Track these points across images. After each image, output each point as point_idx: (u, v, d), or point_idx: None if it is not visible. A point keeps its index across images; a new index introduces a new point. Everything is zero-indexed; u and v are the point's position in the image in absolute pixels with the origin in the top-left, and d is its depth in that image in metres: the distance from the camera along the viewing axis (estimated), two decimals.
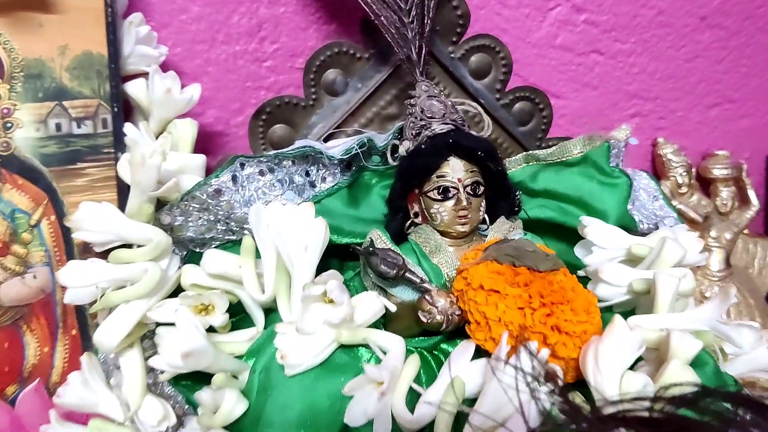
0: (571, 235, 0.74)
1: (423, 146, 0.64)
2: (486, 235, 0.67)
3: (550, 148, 0.77)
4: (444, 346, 0.62)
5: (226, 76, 0.81)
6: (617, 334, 0.51)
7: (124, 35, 0.69)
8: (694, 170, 1.01)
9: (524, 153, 0.76)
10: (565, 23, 0.91)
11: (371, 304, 0.57)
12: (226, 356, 0.61)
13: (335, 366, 0.57)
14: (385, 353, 0.56)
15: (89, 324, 0.69)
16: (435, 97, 0.67)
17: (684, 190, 0.99)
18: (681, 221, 0.80)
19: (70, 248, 0.67)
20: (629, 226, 0.75)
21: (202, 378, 0.64)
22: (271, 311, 0.67)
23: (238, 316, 0.67)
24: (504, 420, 0.49)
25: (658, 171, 1.00)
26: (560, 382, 0.51)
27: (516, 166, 0.76)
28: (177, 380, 0.64)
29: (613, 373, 0.50)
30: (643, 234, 0.78)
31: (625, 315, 0.61)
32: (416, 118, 0.66)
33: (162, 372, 0.61)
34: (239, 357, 0.63)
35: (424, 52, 0.68)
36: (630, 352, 0.51)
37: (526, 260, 0.57)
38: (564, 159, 0.76)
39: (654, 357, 0.56)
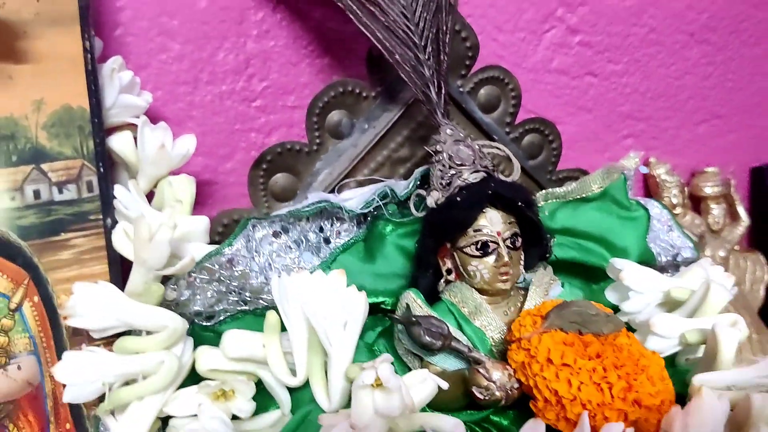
0: (589, 272, 0.71)
1: (458, 198, 0.58)
2: (523, 288, 0.62)
3: (565, 184, 0.73)
4: (495, 418, 0.57)
5: (213, 119, 0.73)
6: (707, 407, 0.47)
7: (106, 84, 0.60)
8: (686, 189, 0.99)
9: (543, 191, 0.72)
10: (560, 46, 0.88)
11: (424, 385, 0.51)
12: None
13: None
14: None
15: (84, 415, 0.60)
16: (462, 141, 0.61)
17: (678, 210, 0.97)
18: (698, 252, 0.78)
19: (59, 333, 0.58)
20: (649, 261, 0.73)
21: None
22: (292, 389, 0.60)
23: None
24: None
25: (651, 192, 0.98)
26: None
27: None
28: None
29: None
30: (662, 268, 0.76)
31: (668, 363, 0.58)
32: (444, 165, 0.60)
33: None
34: None
35: (444, 91, 0.63)
36: (720, 425, 0.47)
37: (591, 326, 0.52)
38: (584, 195, 0.72)
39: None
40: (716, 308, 0.61)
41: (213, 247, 0.59)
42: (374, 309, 0.62)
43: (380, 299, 0.64)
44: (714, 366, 0.55)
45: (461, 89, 0.72)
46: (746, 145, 1.05)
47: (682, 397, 0.52)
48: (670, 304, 0.65)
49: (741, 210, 1.01)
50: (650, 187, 0.98)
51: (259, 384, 0.58)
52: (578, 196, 0.72)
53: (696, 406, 0.48)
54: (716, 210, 1.00)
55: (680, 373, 0.58)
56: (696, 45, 0.96)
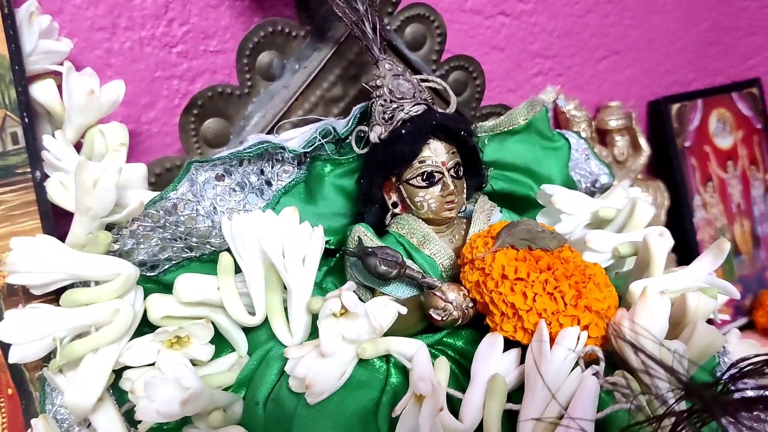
0: (516, 203, 0.74)
1: (402, 131, 0.59)
2: (465, 218, 0.64)
3: (491, 118, 0.75)
4: (448, 340, 0.59)
5: (133, 66, 0.70)
6: (652, 305, 0.51)
7: (24, 29, 0.56)
8: (594, 123, 1.05)
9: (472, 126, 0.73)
10: None
11: (386, 311, 0.53)
12: (218, 392, 0.53)
13: (356, 383, 0.52)
14: (409, 361, 0.51)
15: (27, 379, 0.57)
16: (401, 75, 0.62)
17: (590, 144, 1.02)
18: (614, 177, 0.83)
19: None
20: (572, 188, 0.76)
21: None
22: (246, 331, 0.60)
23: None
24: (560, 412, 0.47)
25: (561, 127, 1.02)
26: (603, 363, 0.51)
27: None
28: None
29: (654, 345, 0.50)
30: (590, 193, 0.80)
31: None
32: (385, 100, 0.61)
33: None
34: (226, 388, 0.56)
35: (379, 26, 0.63)
36: (664, 320, 0.51)
37: (540, 242, 0.55)
38: (510, 128, 0.74)
39: None
40: (642, 223, 0.65)
41: (156, 194, 0.57)
42: None
43: (324, 238, 0.64)
44: (647, 274, 0.60)
45: (388, 27, 0.72)
46: (643, 79, 1.11)
47: None
48: (599, 223, 0.69)
49: (643, 141, 1.08)
50: (561, 123, 1.03)
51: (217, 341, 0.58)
52: (506, 129, 0.74)
53: (642, 305, 0.51)
54: (621, 142, 1.06)
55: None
56: None
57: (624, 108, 1.06)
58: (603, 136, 1.07)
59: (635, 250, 0.62)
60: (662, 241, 0.59)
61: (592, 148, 0.83)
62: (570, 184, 0.77)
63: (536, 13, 0.96)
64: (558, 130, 0.79)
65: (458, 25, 0.90)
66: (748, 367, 0.39)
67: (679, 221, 1.12)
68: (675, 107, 1.13)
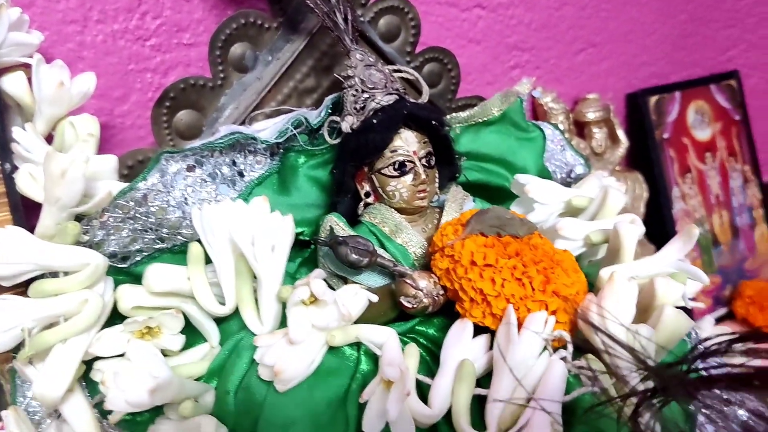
0: (491, 193, 0.74)
1: (374, 120, 0.59)
2: (438, 207, 0.65)
3: (466, 110, 0.75)
4: (420, 328, 0.59)
5: (105, 59, 0.70)
6: (619, 290, 0.51)
7: None
8: (571, 116, 1.05)
9: (446, 117, 0.74)
10: None
11: (356, 298, 0.53)
12: (189, 381, 0.53)
13: (326, 371, 0.52)
14: (379, 348, 0.52)
15: None
16: (372, 65, 0.62)
17: (566, 136, 1.02)
18: (589, 167, 0.83)
19: None
20: (547, 178, 0.77)
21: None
22: (217, 322, 0.60)
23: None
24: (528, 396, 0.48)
25: (539, 119, 1.03)
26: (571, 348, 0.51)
27: None
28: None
29: (621, 328, 0.50)
30: (566, 183, 0.80)
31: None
32: (357, 90, 0.61)
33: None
34: (197, 378, 0.56)
35: (350, 17, 0.63)
36: (631, 304, 0.52)
37: (509, 229, 0.55)
38: (485, 119, 0.75)
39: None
40: (614, 211, 0.66)
41: (126, 185, 0.57)
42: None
43: (298, 229, 0.64)
44: (617, 260, 0.60)
45: (362, 18, 0.72)
46: (620, 71, 1.12)
47: None
48: (572, 212, 0.69)
49: (620, 133, 1.09)
50: (538, 115, 1.03)
51: (185, 322, 0.58)
52: (480, 120, 0.74)
53: (609, 289, 0.52)
54: (598, 134, 1.06)
55: (585, 275, 0.63)
56: None
57: (602, 100, 1.07)
58: (581, 129, 1.07)
59: (606, 237, 0.63)
60: (632, 228, 0.60)
61: (567, 140, 0.83)
62: (545, 174, 0.77)
63: (512, 5, 0.97)
64: (533, 121, 0.80)
65: (434, 17, 0.91)
66: (713, 347, 0.40)
67: (658, 212, 1.13)
68: (653, 99, 1.14)
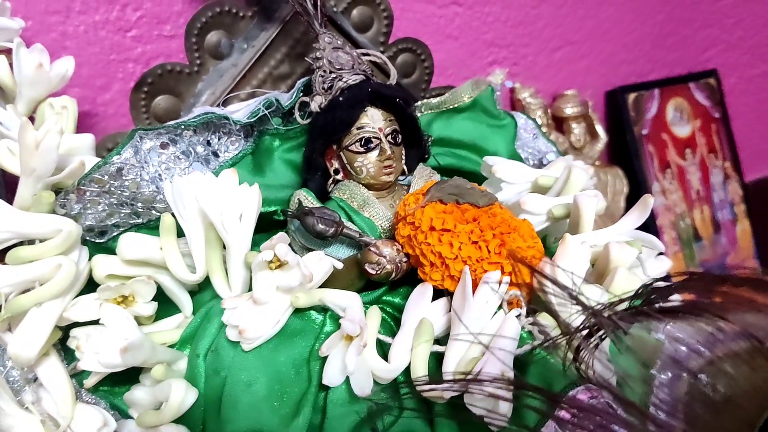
0: (466, 179, 0.76)
1: (340, 98, 0.62)
2: (406, 185, 0.67)
3: (440, 96, 0.78)
4: (387, 298, 0.61)
5: (87, 49, 0.73)
6: (571, 251, 0.53)
7: None
8: (549, 111, 1.08)
9: (418, 103, 0.76)
10: None
11: (320, 263, 0.55)
12: (161, 347, 0.55)
13: (291, 332, 0.54)
14: (343, 311, 0.54)
15: None
16: (340, 48, 0.65)
17: (544, 130, 1.05)
18: (561, 153, 0.86)
19: None
20: None
21: (121, 381, 0.59)
22: (192, 294, 0.62)
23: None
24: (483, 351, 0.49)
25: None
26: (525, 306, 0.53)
27: None
28: (96, 387, 0.58)
29: (573, 288, 0.52)
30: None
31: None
32: (325, 71, 0.63)
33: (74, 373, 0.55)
34: (170, 346, 0.58)
35: (319, 2, 0.66)
36: (584, 266, 0.54)
37: (467, 197, 0.57)
38: (456, 105, 0.77)
39: (591, 271, 0.59)
40: (578, 188, 0.68)
41: (101, 159, 0.59)
42: (267, 222, 0.64)
43: (272, 208, 0.66)
44: (577, 231, 0.62)
45: (335, 8, 0.75)
46: (599, 69, 1.15)
47: None
48: (539, 192, 0.71)
49: (599, 128, 1.11)
50: (516, 111, 1.05)
51: (161, 296, 0.60)
52: (451, 106, 0.77)
53: (562, 250, 0.54)
54: (577, 129, 1.09)
55: (550, 254, 0.64)
56: None
57: (580, 96, 1.09)
58: (560, 124, 1.10)
59: (568, 211, 0.65)
60: (590, 200, 0.62)
61: (540, 127, 0.86)
62: (517, 159, 0.79)
63: (489, 3, 1.00)
64: (505, 110, 0.82)
65: (412, 14, 0.93)
66: (651, 287, 0.41)
67: None
68: (632, 96, 1.16)
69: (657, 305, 0.37)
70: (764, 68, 1.40)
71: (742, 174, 1.30)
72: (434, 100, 0.76)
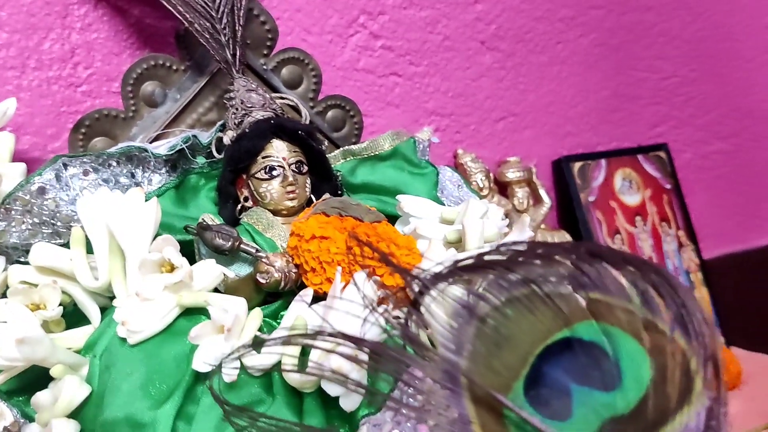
0: (390, 222, 0.81)
1: (247, 130, 0.69)
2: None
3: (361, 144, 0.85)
4: (284, 313, 0.65)
5: (40, 101, 0.81)
6: (436, 251, 0.57)
7: None
8: (492, 175, 1.13)
9: (340, 149, 0.83)
10: (365, 48, 1.01)
11: (210, 269, 0.60)
12: (64, 349, 0.59)
13: (179, 330, 0.58)
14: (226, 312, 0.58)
15: None
16: (253, 90, 0.72)
17: (485, 192, 1.10)
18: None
19: None
20: None
21: (36, 390, 0.62)
22: (104, 310, 0.66)
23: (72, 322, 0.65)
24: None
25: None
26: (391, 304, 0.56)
27: (335, 162, 0.82)
28: (10, 396, 0.62)
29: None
30: None
31: None
32: (237, 109, 0.71)
33: None
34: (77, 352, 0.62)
35: (238, 53, 0.74)
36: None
37: (351, 212, 0.62)
38: (377, 153, 0.83)
39: None
40: (476, 217, 0.72)
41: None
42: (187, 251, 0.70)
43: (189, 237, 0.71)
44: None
45: (265, 67, 0.83)
46: (544, 140, 1.21)
47: None
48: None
49: (543, 193, 1.16)
50: (460, 174, 1.11)
51: (78, 312, 0.64)
52: (371, 153, 0.83)
53: (426, 253, 0.58)
54: (520, 193, 1.14)
55: None
56: (488, 51, 1.13)
57: (523, 163, 1.15)
58: (503, 188, 1.15)
59: (461, 236, 0.69)
60: (478, 222, 0.67)
61: (465, 181, 0.91)
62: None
63: (428, 75, 1.08)
64: (427, 160, 0.88)
65: (352, 82, 1.02)
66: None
67: None
68: (577, 165, 1.22)
69: (458, 263, 0.41)
70: (719, 146, 1.46)
71: (698, 243, 1.32)
72: (355, 147, 0.83)
